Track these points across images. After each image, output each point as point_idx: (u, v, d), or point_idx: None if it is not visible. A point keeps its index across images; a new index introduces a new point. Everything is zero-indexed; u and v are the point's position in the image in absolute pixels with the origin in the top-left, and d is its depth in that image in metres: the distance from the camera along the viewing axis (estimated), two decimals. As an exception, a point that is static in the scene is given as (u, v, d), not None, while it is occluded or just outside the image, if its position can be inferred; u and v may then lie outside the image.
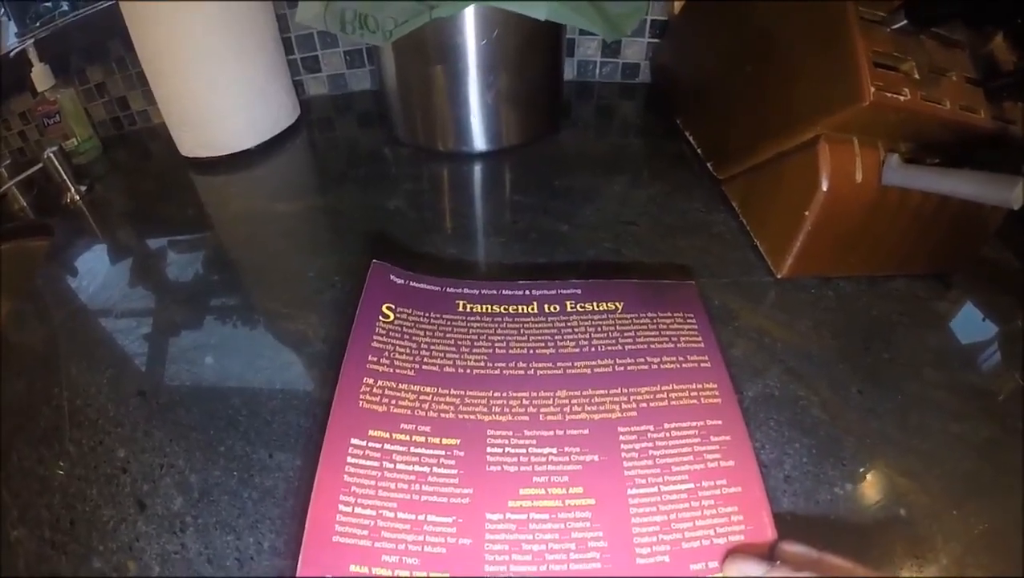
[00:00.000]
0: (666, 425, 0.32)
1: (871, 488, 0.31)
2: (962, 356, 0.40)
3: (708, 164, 0.54)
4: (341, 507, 0.28)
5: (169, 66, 0.60)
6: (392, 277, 0.40)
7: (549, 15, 0.45)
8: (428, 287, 0.40)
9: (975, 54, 0.40)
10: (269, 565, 0.29)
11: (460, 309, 0.38)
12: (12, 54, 0.70)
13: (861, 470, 0.32)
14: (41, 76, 0.69)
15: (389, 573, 0.26)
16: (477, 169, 0.58)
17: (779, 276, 0.43)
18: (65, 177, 0.64)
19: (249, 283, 0.48)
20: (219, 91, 0.61)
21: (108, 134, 0.76)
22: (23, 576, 0.30)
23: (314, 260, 0.48)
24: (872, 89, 0.35)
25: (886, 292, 0.43)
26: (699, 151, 0.56)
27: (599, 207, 0.51)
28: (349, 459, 0.30)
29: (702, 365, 0.35)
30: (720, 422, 0.32)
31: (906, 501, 0.31)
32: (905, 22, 0.37)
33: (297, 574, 0.26)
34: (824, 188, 0.39)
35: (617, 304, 0.39)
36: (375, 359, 0.35)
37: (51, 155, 0.62)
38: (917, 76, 0.37)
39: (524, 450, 0.31)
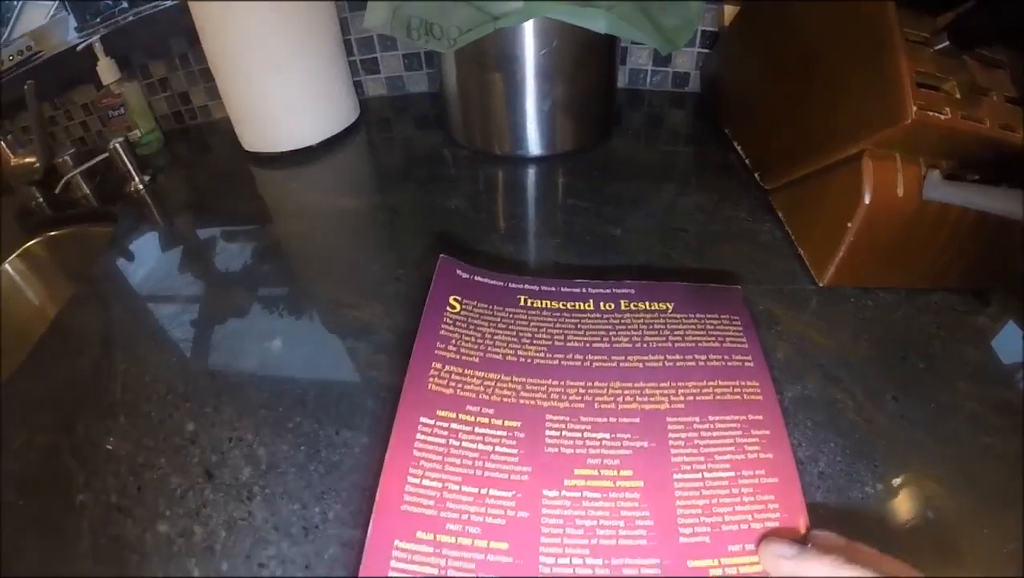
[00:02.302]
0: (711, 417, 0.34)
1: (901, 490, 0.33)
2: (997, 372, 0.41)
3: (755, 174, 0.56)
4: (410, 479, 0.31)
5: (236, 65, 0.65)
6: (458, 271, 0.43)
7: (608, 29, 0.47)
8: (492, 282, 0.43)
9: (1016, 74, 0.41)
10: (335, 534, 0.32)
11: (522, 304, 0.41)
12: (79, 48, 0.74)
13: (892, 472, 0.34)
14: (107, 70, 0.73)
15: (452, 540, 0.29)
16: (532, 173, 0.61)
17: (821, 284, 0.45)
18: (130, 167, 0.68)
19: (313, 274, 0.52)
20: (283, 90, 0.66)
21: (170, 127, 0.82)
22: (87, 537, 0.33)
23: (377, 255, 0.52)
24: (914, 108, 0.36)
25: (925, 305, 0.45)
26: (747, 161, 0.58)
27: (649, 213, 0.54)
28: (418, 436, 0.33)
29: (746, 364, 0.37)
30: (761, 417, 0.34)
31: (934, 504, 0.33)
32: (948, 43, 0.39)
33: (367, 538, 0.29)
34: (867, 201, 0.41)
35: (667, 304, 0.41)
36: (443, 346, 0.38)
37: (117, 145, 0.67)
38: (958, 96, 0.38)
39: (579, 434, 0.34)
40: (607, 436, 0.34)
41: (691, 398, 0.35)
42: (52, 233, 0.72)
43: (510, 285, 0.43)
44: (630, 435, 0.34)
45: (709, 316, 0.40)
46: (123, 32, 0.77)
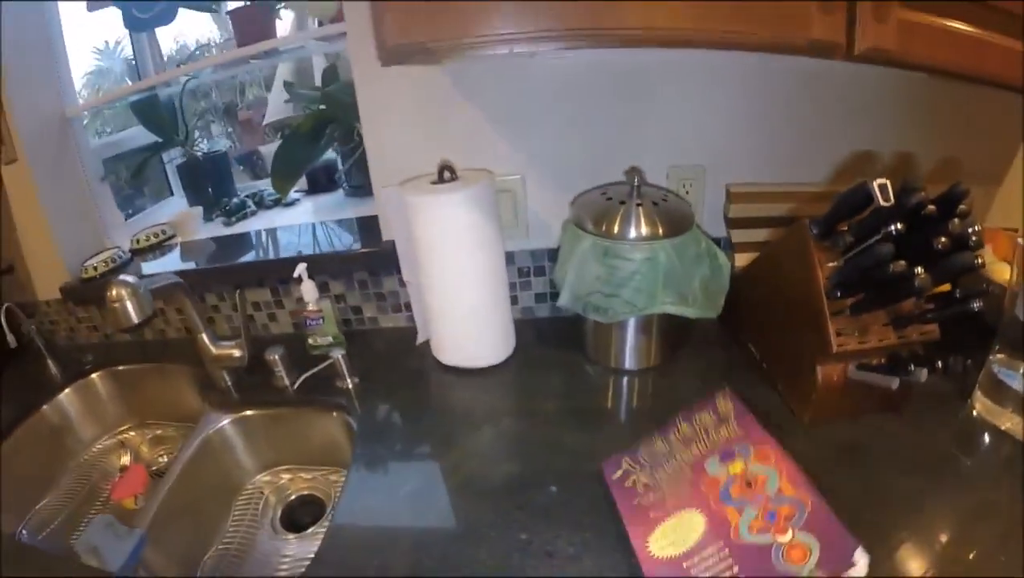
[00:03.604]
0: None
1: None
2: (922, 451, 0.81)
3: (763, 365, 1.01)
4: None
5: (455, 299, 1.01)
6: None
7: (693, 315, 0.92)
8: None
9: (888, 311, 0.83)
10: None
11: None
12: (296, 275, 1.08)
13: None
14: (309, 290, 1.07)
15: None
16: (635, 380, 1.04)
17: (804, 423, 0.88)
18: (346, 371, 1.05)
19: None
20: (485, 323, 1.03)
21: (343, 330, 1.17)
22: None
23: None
24: (835, 347, 0.81)
25: (862, 423, 0.86)
26: (756, 355, 1.03)
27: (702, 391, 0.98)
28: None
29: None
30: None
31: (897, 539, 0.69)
32: (849, 312, 0.84)
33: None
34: (820, 384, 0.85)
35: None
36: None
37: (340, 357, 1.02)
38: (857, 333, 0.83)
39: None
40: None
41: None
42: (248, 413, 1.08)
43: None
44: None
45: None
46: (318, 261, 1.13)
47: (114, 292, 0.88)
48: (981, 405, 0.88)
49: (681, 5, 0.65)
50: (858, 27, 0.68)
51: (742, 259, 1.10)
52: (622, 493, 0.76)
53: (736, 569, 0.61)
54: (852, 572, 0.57)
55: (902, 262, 0.73)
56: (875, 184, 0.73)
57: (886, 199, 0.73)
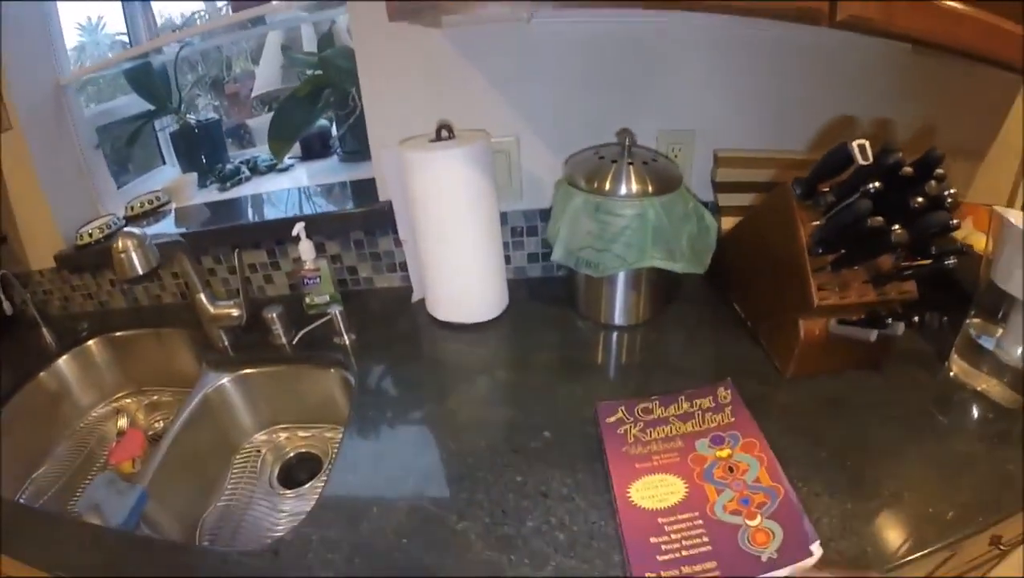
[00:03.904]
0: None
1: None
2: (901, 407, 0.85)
3: (748, 323, 1.05)
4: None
5: (449, 257, 1.05)
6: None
7: (681, 270, 0.96)
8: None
9: (867, 268, 0.87)
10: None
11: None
12: (294, 233, 1.10)
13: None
14: (307, 249, 1.09)
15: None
16: (624, 336, 1.08)
17: (787, 376, 0.92)
18: (343, 328, 1.08)
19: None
20: (474, 276, 1.06)
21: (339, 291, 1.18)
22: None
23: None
24: (816, 300, 0.85)
25: (843, 378, 0.91)
26: (742, 314, 1.07)
27: (691, 349, 1.02)
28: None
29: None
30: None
31: (875, 483, 0.78)
32: (830, 268, 0.88)
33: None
34: (802, 337, 0.89)
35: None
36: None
37: (337, 313, 1.06)
38: (837, 289, 0.87)
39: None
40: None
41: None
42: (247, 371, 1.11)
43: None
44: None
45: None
46: (317, 221, 1.15)
47: (120, 243, 0.92)
48: (958, 367, 0.92)
49: None
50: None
51: (728, 222, 1.14)
52: (613, 437, 0.81)
53: (705, 540, 0.66)
54: (806, 562, 0.63)
55: (880, 218, 0.76)
56: (855, 144, 0.77)
57: (865, 158, 0.77)
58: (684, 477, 0.74)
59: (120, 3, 1.37)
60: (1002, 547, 0.86)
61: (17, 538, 0.79)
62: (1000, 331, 0.87)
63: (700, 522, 0.68)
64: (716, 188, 1.15)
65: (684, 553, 0.65)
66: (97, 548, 0.76)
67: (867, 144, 0.77)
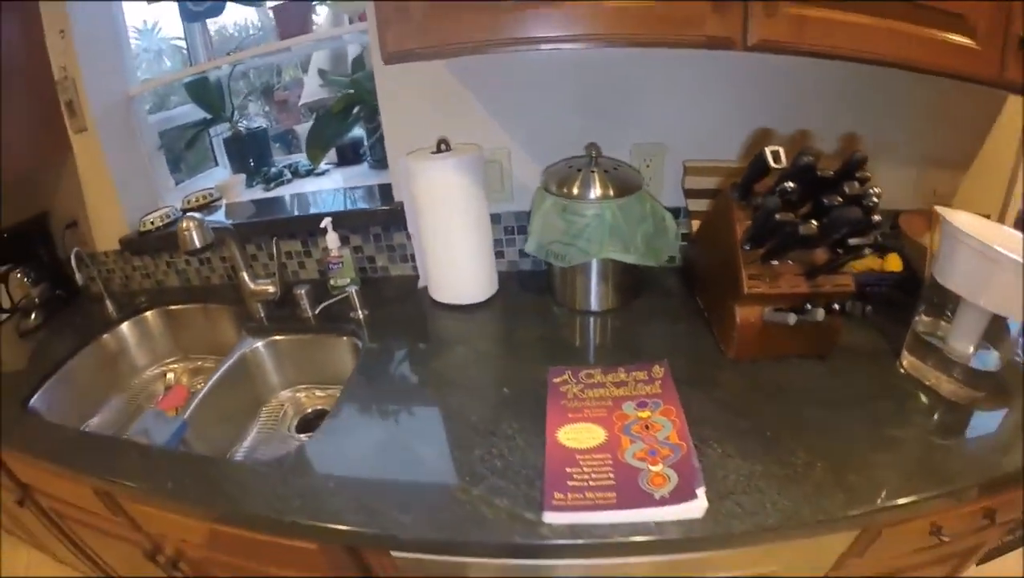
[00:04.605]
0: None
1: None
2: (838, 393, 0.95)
3: (706, 313, 1.18)
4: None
5: (444, 246, 1.22)
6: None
7: (635, 261, 1.11)
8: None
9: (802, 263, 0.98)
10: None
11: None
12: (322, 225, 1.27)
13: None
14: (332, 239, 1.26)
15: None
16: (593, 320, 1.23)
17: (730, 358, 1.06)
18: (358, 304, 1.28)
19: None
20: (472, 265, 1.24)
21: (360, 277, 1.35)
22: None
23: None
24: (746, 289, 0.98)
25: (786, 364, 1.02)
26: (702, 305, 1.21)
27: (656, 334, 1.16)
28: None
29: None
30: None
31: (803, 456, 0.92)
32: (760, 261, 1.01)
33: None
34: (738, 322, 1.02)
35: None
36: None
37: (354, 292, 1.26)
38: (768, 279, 1.01)
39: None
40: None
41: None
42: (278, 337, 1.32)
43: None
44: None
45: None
46: (341, 217, 1.31)
47: (185, 223, 1.18)
48: (908, 362, 0.99)
49: (596, 14, 0.82)
50: (750, 22, 0.81)
51: (696, 225, 1.28)
52: (555, 393, 0.97)
53: (611, 476, 0.80)
54: (693, 503, 0.75)
55: (790, 214, 0.89)
56: (768, 150, 0.90)
57: (777, 162, 0.90)
58: (606, 428, 0.89)
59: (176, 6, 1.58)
60: (943, 538, 0.90)
61: (80, 456, 0.99)
62: (946, 327, 0.93)
63: (610, 462, 0.82)
64: (686, 194, 1.29)
65: (591, 483, 0.79)
66: (145, 459, 0.97)
67: (780, 150, 0.90)
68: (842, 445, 0.84)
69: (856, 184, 0.87)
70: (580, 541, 0.74)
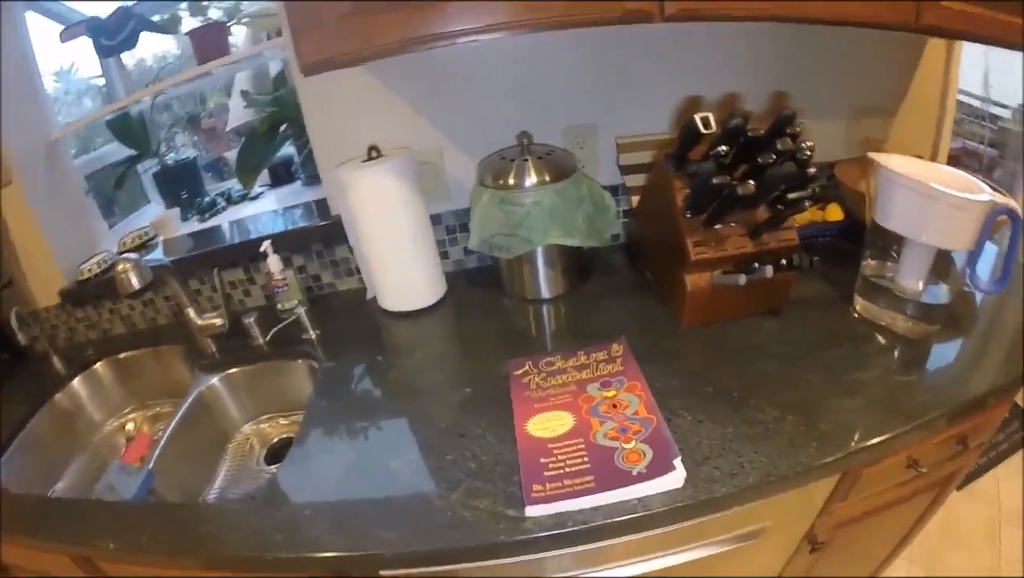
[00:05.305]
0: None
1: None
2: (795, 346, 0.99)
3: (655, 286, 1.19)
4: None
5: (387, 256, 1.21)
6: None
7: (579, 243, 1.12)
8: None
9: (745, 224, 1.00)
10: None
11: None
12: (262, 249, 1.25)
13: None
14: (274, 262, 1.24)
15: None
16: (545, 307, 1.23)
17: (683, 326, 1.07)
18: (309, 325, 1.25)
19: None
20: (417, 271, 1.22)
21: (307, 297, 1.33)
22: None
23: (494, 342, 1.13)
24: (692, 256, 0.99)
25: (741, 325, 1.04)
26: (650, 277, 1.22)
27: (606, 309, 1.16)
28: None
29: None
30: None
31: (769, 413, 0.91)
32: (703, 227, 1.02)
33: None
34: (689, 290, 1.03)
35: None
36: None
37: (303, 313, 1.23)
38: (713, 244, 1.01)
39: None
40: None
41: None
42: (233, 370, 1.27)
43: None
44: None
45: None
46: (280, 238, 1.29)
47: (120, 266, 1.13)
48: (861, 306, 1.03)
49: (512, 1, 0.82)
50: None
51: (635, 200, 1.28)
52: (518, 385, 0.96)
53: (585, 460, 0.80)
54: (672, 474, 0.76)
55: (726, 177, 0.90)
56: (698, 116, 0.91)
57: (707, 127, 0.91)
58: (573, 412, 0.89)
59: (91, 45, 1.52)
60: (921, 470, 0.93)
61: (50, 524, 0.94)
62: (893, 268, 0.97)
63: (583, 446, 0.82)
64: (622, 171, 1.29)
65: (567, 470, 0.79)
66: (116, 516, 0.93)
67: (710, 116, 0.91)
68: (808, 395, 0.87)
69: (788, 140, 0.88)
70: (565, 529, 0.74)
